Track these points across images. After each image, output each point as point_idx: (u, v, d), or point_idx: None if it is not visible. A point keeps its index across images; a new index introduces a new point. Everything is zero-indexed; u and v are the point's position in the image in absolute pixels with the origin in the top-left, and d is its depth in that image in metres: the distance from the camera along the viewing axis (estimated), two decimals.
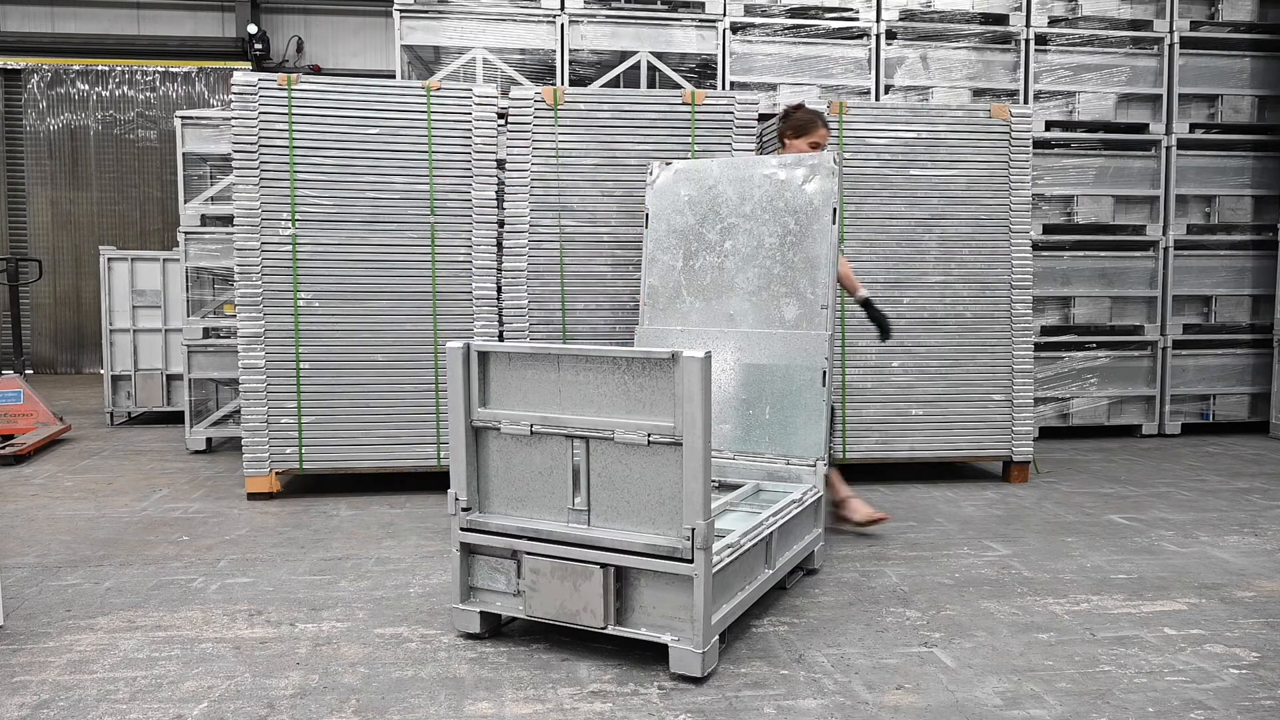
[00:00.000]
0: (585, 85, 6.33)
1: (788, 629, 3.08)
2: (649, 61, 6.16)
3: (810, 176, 3.83)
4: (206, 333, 6.31)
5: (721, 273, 3.99)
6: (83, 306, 11.73)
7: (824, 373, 3.71)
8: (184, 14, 11.71)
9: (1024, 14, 6.57)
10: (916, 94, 6.53)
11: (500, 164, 5.11)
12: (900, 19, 6.48)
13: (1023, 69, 6.59)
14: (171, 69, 11.74)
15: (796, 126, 4.26)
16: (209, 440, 6.30)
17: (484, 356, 2.92)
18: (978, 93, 6.59)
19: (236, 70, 9.42)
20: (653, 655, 2.79)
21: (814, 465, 3.67)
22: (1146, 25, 6.73)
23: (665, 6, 6.28)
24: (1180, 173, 6.85)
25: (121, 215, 11.85)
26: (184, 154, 6.42)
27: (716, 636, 2.72)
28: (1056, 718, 2.46)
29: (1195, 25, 6.80)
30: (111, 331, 7.40)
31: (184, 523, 4.42)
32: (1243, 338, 7.00)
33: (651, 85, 6.19)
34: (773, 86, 6.39)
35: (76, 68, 11.62)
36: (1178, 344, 6.89)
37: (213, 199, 6.35)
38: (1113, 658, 2.85)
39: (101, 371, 8.19)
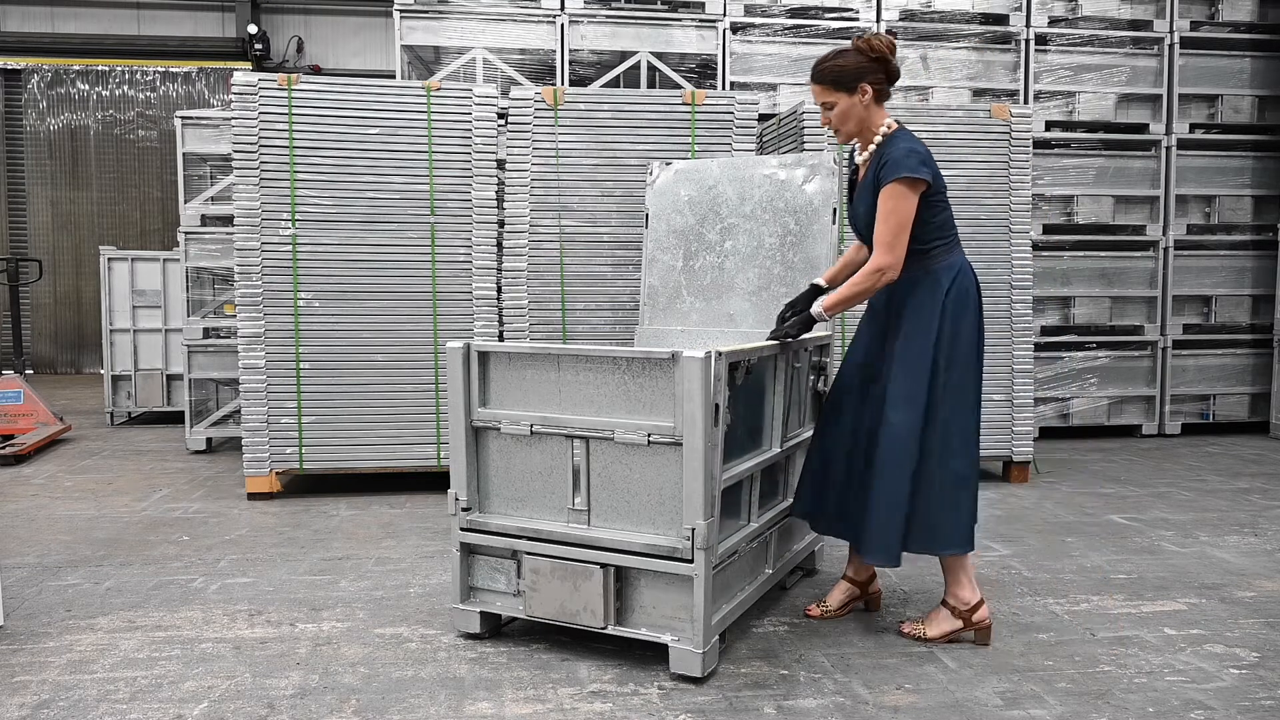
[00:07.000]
0: (585, 85, 6.33)
1: (788, 629, 3.08)
2: (649, 61, 6.16)
3: (810, 176, 3.83)
4: (206, 333, 6.30)
5: (721, 273, 3.99)
6: (83, 306, 11.73)
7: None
8: (184, 14, 11.70)
9: (1024, 14, 6.57)
10: (916, 94, 6.53)
11: (500, 164, 5.11)
12: (900, 19, 6.48)
13: (1023, 69, 6.59)
14: (171, 69, 11.73)
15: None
16: (209, 440, 6.30)
17: (484, 356, 2.92)
18: (978, 93, 6.59)
19: (236, 70, 9.41)
20: (653, 655, 2.79)
21: None
22: (1146, 25, 6.73)
23: (665, 6, 6.27)
24: (1180, 173, 6.84)
25: (121, 215, 11.84)
26: (184, 154, 6.42)
27: (717, 636, 2.72)
28: (1056, 718, 2.46)
29: (1195, 25, 6.79)
30: (111, 331, 7.39)
31: (184, 523, 4.41)
32: (1243, 338, 7.00)
33: (651, 85, 6.19)
34: (773, 86, 6.39)
35: (76, 68, 11.62)
36: (1178, 344, 6.88)
37: (213, 199, 6.35)
38: (1113, 658, 2.85)
39: (101, 371, 8.17)
